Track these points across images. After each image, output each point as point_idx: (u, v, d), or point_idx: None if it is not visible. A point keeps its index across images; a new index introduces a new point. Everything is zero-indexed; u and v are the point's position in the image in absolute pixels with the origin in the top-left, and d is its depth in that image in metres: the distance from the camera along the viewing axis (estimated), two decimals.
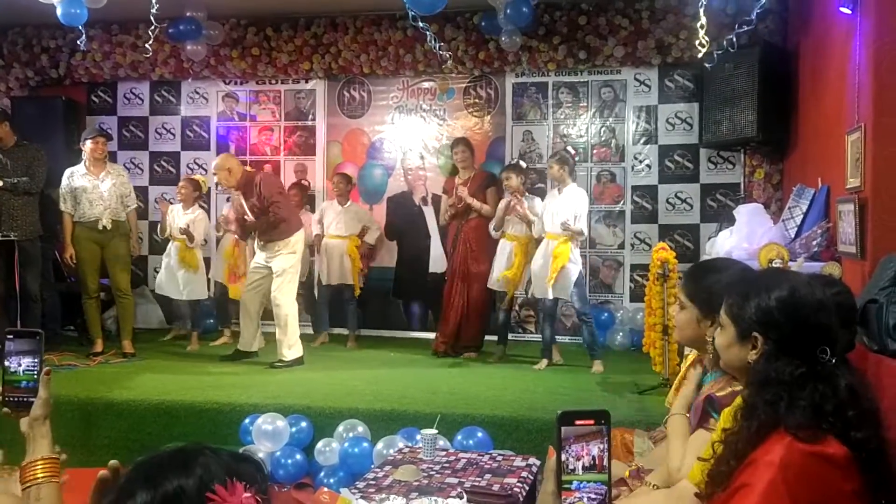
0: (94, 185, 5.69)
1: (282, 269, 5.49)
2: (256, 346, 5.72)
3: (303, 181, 7.11)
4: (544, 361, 5.52)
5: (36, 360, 1.55)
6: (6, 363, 1.55)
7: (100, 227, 5.68)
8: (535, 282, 5.50)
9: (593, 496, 1.24)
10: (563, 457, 1.24)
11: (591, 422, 1.24)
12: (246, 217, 5.55)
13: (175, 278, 6.27)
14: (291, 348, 5.51)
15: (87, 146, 5.72)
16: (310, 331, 6.62)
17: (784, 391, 1.49)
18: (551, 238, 5.35)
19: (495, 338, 5.90)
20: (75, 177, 5.74)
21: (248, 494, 0.99)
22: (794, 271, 1.65)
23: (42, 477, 1.44)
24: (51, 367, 1.64)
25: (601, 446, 1.24)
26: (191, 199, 6.32)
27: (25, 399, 1.54)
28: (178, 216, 6.27)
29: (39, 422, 1.52)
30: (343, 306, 6.59)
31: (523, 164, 5.93)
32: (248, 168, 5.88)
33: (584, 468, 1.24)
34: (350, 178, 6.67)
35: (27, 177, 5.59)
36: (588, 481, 1.24)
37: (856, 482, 1.44)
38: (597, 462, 1.24)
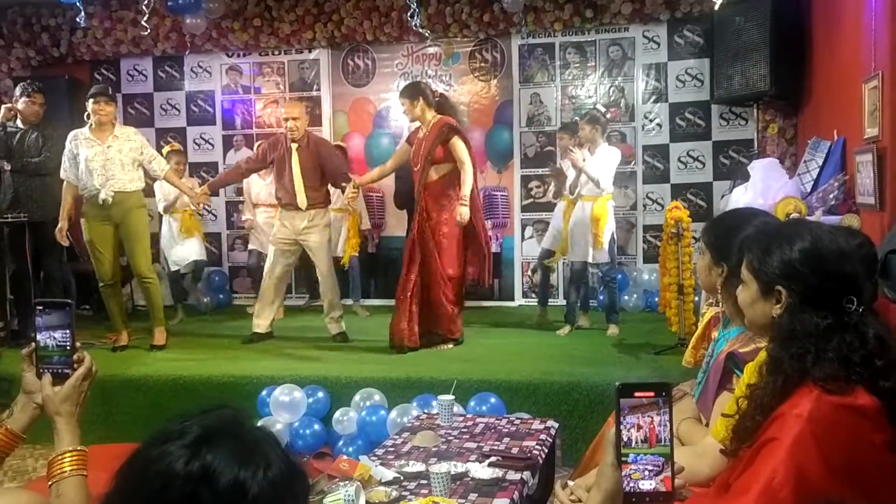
0: (95, 153, 5.04)
1: (323, 242, 5.31)
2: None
3: None
4: (567, 327, 5.43)
5: (67, 333, 1.52)
6: (38, 337, 1.52)
7: (99, 201, 5.03)
8: (571, 245, 5.33)
9: (651, 468, 1.21)
10: (620, 429, 1.22)
11: (651, 394, 1.21)
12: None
13: (176, 248, 6.27)
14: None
15: (90, 107, 5.10)
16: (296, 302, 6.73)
17: (811, 344, 1.46)
18: (587, 200, 5.24)
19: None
20: (78, 141, 5.11)
21: None
22: (815, 221, 1.59)
23: (69, 470, 1.42)
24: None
25: (659, 418, 1.21)
26: (181, 170, 6.24)
27: (61, 371, 1.50)
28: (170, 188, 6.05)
29: (64, 417, 1.47)
30: (347, 276, 6.56)
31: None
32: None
33: (641, 440, 1.21)
34: (344, 149, 6.59)
35: (40, 157, 5.41)
36: (645, 454, 1.21)
37: (886, 433, 1.41)
38: (655, 434, 1.22)
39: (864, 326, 1.46)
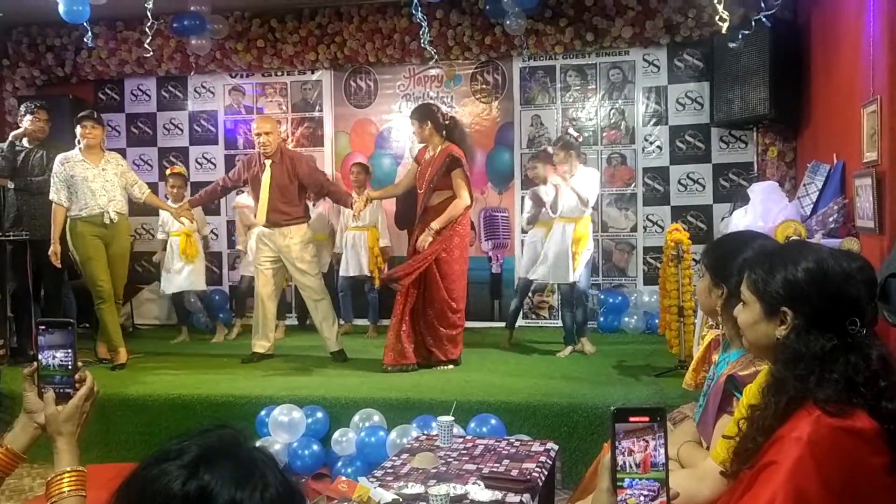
0: (94, 175, 5.13)
1: (308, 258, 5.27)
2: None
3: None
4: (568, 349, 5.41)
5: (69, 353, 1.51)
6: (39, 357, 1.52)
7: (106, 221, 5.14)
8: (552, 268, 5.33)
9: (646, 493, 1.22)
10: (616, 453, 1.22)
11: (646, 419, 1.22)
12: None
13: (178, 272, 6.25)
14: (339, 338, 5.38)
15: (77, 131, 5.20)
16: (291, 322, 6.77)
17: (816, 366, 1.46)
18: (566, 221, 5.27)
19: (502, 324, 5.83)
20: (71, 164, 5.14)
21: None
22: (816, 243, 1.60)
23: (68, 490, 1.42)
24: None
25: (654, 443, 1.22)
26: (182, 193, 6.29)
27: (63, 391, 1.50)
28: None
29: (65, 437, 1.47)
30: (363, 297, 6.57)
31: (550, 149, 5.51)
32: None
33: (635, 465, 1.21)
34: (368, 167, 6.62)
35: (44, 176, 5.41)
36: (641, 479, 1.22)
37: (884, 456, 1.41)
38: (650, 459, 1.22)
39: (867, 348, 1.47)
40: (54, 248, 5.12)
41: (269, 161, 5.19)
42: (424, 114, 5.09)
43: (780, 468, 1.39)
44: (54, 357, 1.51)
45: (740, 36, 5.21)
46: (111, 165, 5.26)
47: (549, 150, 5.53)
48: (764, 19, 4.37)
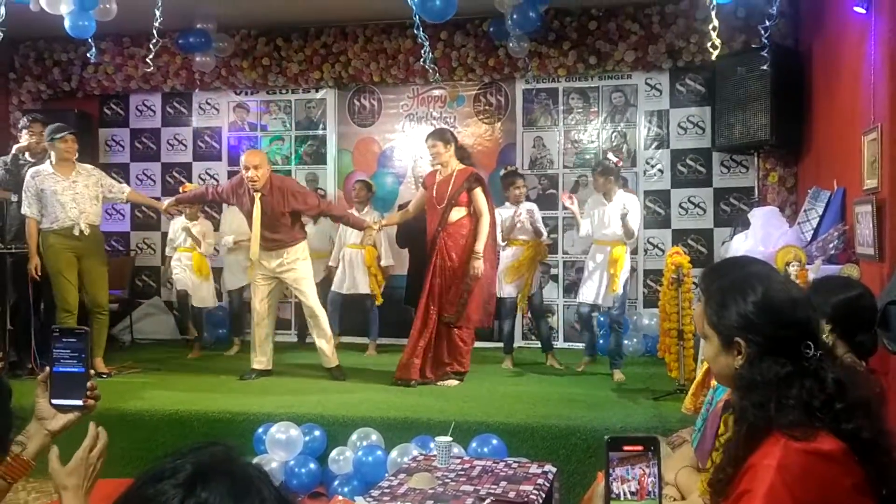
0: (64, 187, 5.17)
1: (305, 275, 5.29)
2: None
3: (318, 190, 7.10)
4: (618, 373, 5.31)
5: (83, 360, 1.52)
6: (53, 364, 1.51)
7: (76, 233, 5.17)
8: (584, 290, 5.36)
9: None
10: (610, 481, 1.23)
11: (640, 448, 1.23)
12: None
13: (194, 284, 6.29)
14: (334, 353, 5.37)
15: (57, 146, 5.18)
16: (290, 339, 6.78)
17: (772, 392, 1.48)
18: (603, 244, 5.29)
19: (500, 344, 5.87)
20: (42, 177, 5.18)
21: None
22: (769, 272, 1.63)
23: None
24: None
25: (648, 470, 1.22)
26: (196, 212, 6.33)
27: (74, 399, 1.50)
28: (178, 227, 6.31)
29: (70, 491, 1.45)
30: (364, 315, 6.57)
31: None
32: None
33: (630, 493, 1.22)
34: (371, 185, 6.65)
35: None
36: None
37: (856, 476, 1.42)
38: (644, 487, 1.22)
39: (822, 371, 1.49)
40: (34, 262, 5.19)
41: (259, 195, 5.11)
42: (448, 137, 5.26)
43: (754, 496, 1.40)
44: (67, 364, 1.51)
45: (739, 61, 5.23)
46: (82, 177, 5.29)
47: (592, 174, 5.57)
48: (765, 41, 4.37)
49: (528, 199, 5.99)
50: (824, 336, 1.89)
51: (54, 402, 1.52)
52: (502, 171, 6.12)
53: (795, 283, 1.66)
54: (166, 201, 5.77)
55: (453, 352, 5.16)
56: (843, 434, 1.43)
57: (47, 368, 1.52)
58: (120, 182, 5.80)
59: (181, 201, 5.78)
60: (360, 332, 6.70)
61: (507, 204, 5.80)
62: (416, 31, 4.72)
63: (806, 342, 1.51)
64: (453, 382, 5.12)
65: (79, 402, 1.51)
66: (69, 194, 5.19)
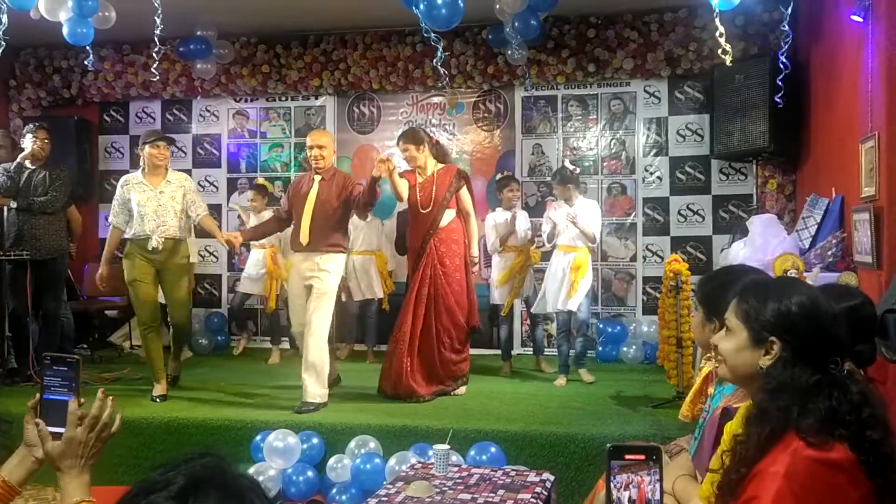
0: (147, 198, 4.92)
1: (327, 290, 4.73)
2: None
3: None
4: (562, 378, 5.39)
5: (73, 389, 1.51)
6: (43, 391, 1.51)
7: (149, 247, 4.88)
8: (549, 296, 5.38)
9: None
10: (611, 489, 1.23)
11: (642, 457, 1.23)
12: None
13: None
14: (324, 386, 4.67)
15: (146, 151, 4.97)
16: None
17: (799, 397, 1.48)
18: (567, 250, 5.30)
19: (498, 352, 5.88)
20: (129, 186, 4.98)
21: None
22: (808, 282, 1.64)
23: None
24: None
25: (649, 478, 1.22)
26: (262, 206, 6.42)
27: (57, 433, 1.49)
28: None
29: (64, 472, 1.45)
30: (363, 321, 6.58)
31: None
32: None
33: (630, 501, 1.22)
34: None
35: (46, 196, 5.44)
36: None
37: (863, 487, 1.42)
38: (644, 496, 1.22)
39: (847, 385, 1.50)
40: (102, 272, 4.98)
41: (319, 177, 4.84)
42: (420, 136, 5.08)
43: (761, 503, 1.40)
44: (57, 392, 1.51)
45: (738, 69, 5.21)
46: (170, 188, 4.99)
47: (551, 181, 5.61)
48: (785, 61, 4.33)
49: (525, 205, 6.00)
50: None
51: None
52: (498, 176, 6.11)
53: (846, 293, 1.66)
54: (228, 234, 5.16)
55: (447, 365, 4.96)
56: (864, 444, 1.43)
57: (38, 395, 1.51)
58: (200, 203, 5.19)
59: (247, 238, 5.42)
60: (358, 339, 6.70)
61: (499, 209, 5.81)
62: (425, 35, 4.67)
63: (834, 358, 1.52)
64: (462, 390, 5.05)
65: (81, 400, 1.51)
66: (151, 205, 4.90)
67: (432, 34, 4.65)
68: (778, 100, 4.39)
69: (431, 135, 5.50)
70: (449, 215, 5.05)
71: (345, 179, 4.94)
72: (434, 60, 5.05)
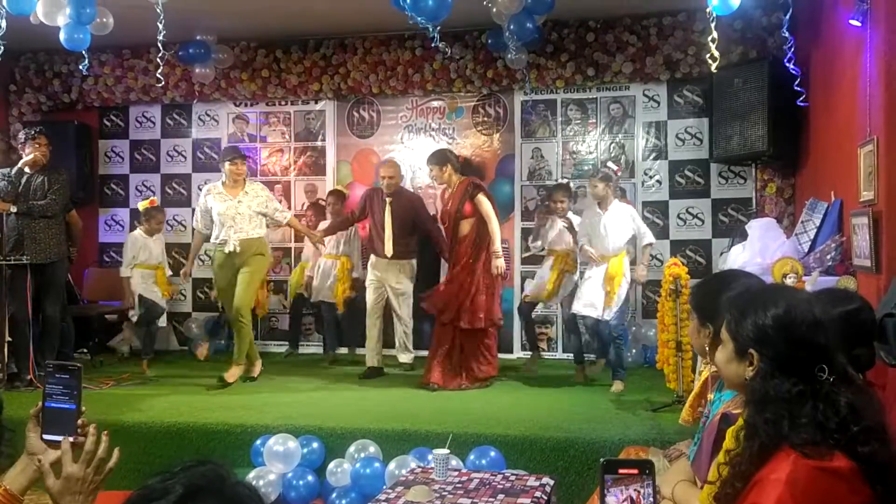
0: (227, 206, 5.54)
1: (405, 292, 5.85)
2: None
3: (319, 201, 7.11)
4: (618, 384, 5.29)
5: (75, 397, 1.51)
6: (45, 400, 1.51)
7: (226, 251, 5.50)
8: (583, 300, 5.32)
9: None
10: (605, 502, 1.24)
11: (635, 471, 1.24)
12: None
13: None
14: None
15: (226, 167, 5.63)
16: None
17: (784, 409, 1.48)
18: (600, 260, 5.30)
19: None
20: (211, 195, 5.65)
21: None
22: (796, 289, 1.64)
23: None
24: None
25: (643, 490, 1.23)
26: (342, 209, 6.53)
27: (58, 442, 1.49)
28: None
29: (71, 502, 1.44)
30: (321, 322, 6.81)
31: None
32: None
33: None
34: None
35: (45, 200, 5.45)
36: None
37: (863, 495, 1.43)
38: None
39: (835, 395, 1.49)
40: (187, 269, 6.02)
41: (390, 199, 5.77)
42: (443, 158, 5.53)
43: None
44: (59, 400, 1.50)
45: (737, 73, 5.21)
46: (248, 198, 5.62)
47: (591, 180, 5.57)
48: (792, 66, 4.32)
49: (525, 209, 6.07)
50: None
51: (45, 437, 1.52)
52: (554, 183, 6.38)
53: (821, 304, 1.65)
54: (315, 233, 6.32)
55: (481, 364, 5.40)
56: (859, 457, 1.43)
57: (39, 404, 1.51)
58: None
59: (328, 233, 6.32)
60: (359, 343, 6.70)
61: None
62: (428, 37, 4.68)
63: (821, 365, 1.51)
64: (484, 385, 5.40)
65: (69, 439, 1.50)
66: (230, 213, 5.52)
67: (436, 33, 4.62)
68: (800, 103, 4.37)
69: (456, 154, 6.03)
70: (468, 224, 5.40)
71: (411, 201, 5.94)
72: (433, 41, 4.99)
